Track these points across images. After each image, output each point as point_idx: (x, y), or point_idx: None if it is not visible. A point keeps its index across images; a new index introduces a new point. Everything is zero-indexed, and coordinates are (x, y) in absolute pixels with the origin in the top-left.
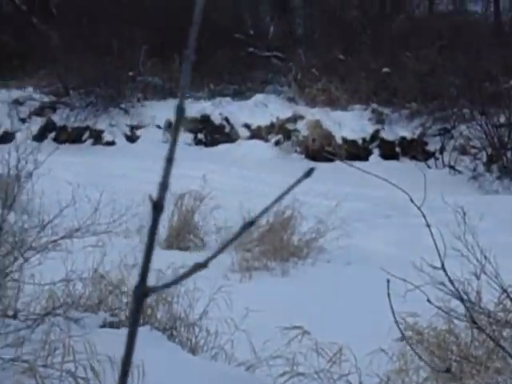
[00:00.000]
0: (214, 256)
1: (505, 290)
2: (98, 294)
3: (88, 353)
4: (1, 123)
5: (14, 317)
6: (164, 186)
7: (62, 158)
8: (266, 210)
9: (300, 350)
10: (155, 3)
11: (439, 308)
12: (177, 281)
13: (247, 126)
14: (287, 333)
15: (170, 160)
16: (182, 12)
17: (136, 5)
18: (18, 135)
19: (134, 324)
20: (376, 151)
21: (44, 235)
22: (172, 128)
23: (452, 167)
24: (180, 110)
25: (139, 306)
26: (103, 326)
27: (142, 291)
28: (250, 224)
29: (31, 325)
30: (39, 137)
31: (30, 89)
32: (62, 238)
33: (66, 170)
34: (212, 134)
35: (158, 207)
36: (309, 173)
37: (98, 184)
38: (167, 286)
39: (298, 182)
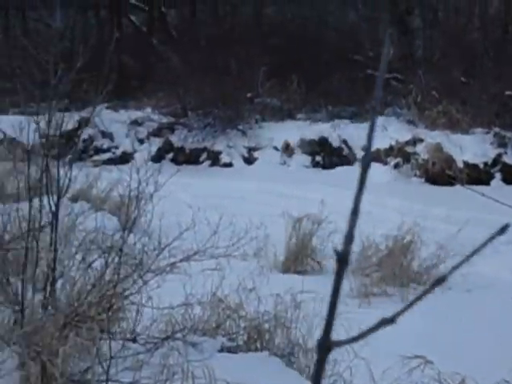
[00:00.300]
0: (402, 311)
1: None
2: (215, 318)
3: (206, 378)
4: (119, 144)
5: (134, 340)
6: (349, 238)
7: (180, 179)
8: (458, 266)
9: (422, 380)
10: (274, 25)
11: None
12: (363, 335)
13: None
14: (408, 362)
15: (355, 212)
16: (300, 33)
17: (254, 26)
18: (137, 156)
19: (317, 377)
20: (498, 175)
21: (163, 258)
22: (358, 181)
23: None
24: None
25: (323, 360)
26: (221, 350)
27: (325, 345)
28: (441, 280)
29: (151, 348)
30: (157, 158)
31: (149, 109)
32: (180, 260)
33: (184, 192)
34: (330, 156)
35: (343, 260)
36: (503, 229)
37: (216, 206)
38: (352, 340)
39: (492, 238)
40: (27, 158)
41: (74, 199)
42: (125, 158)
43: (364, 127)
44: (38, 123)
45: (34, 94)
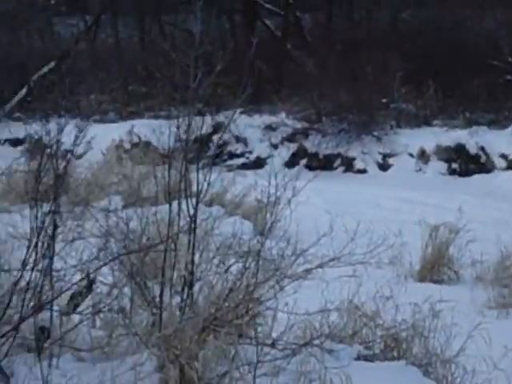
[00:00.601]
0: None
1: None
2: (352, 326)
3: None
4: (253, 149)
5: (272, 345)
6: None
7: (314, 185)
8: None
9: None
10: (410, 29)
11: None
12: None
13: (504, 157)
14: None
15: None
16: (437, 38)
17: (390, 31)
18: (270, 161)
19: None
20: None
21: (299, 263)
22: None
23: None
24: None
25: None
26: (357, 358)
27: None
28: None
29: (289, 354)
30: (291, 163)
31: (283, 114)
32: (317, 266)
33: (319, 197)
34: (467, 163)
35: None
36: None
37: (352, 212)
38: None
39: None
40: (168, 162)
41: (209, 204)
42: (259, 163)
43: (503, 134)
44: (178, 127)
45: (172, 98)
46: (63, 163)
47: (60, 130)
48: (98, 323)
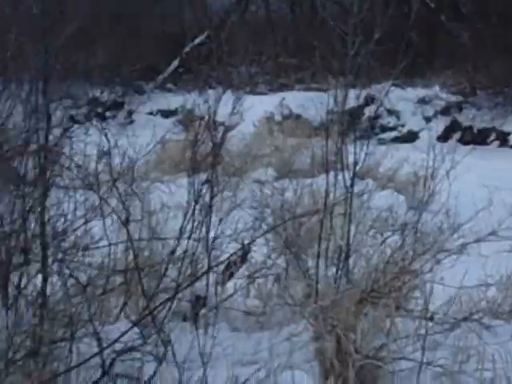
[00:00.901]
0: None
1: None
2: (510, 302)
3: (504, 362)
4: (406, 122)
5: (431, 319)
6: None
7: (468, 159)
8: None
9: None
10: None
11: None
12: None
13: None
14: None
15: None
16: None
17: None
18: (423, 135)
19: None
20: None
21: (456, 237)
22: None
23: None
24: None
25: None
26: None
27: None
28: None
29: (448, 329)
30: (443, 137)
31: (437, 88)
32: (475, 241)
33: (473, 172)
34: None
35: None
36: None
37: (507, 187)
38: None
39: None
40: (325, 134)
41: (362, 177)
42: (411, 137)
43: None
44: (335, 99)
45: (327, 69)
46: (220, 133)
47: (218, 99)
48: (253, 293)
